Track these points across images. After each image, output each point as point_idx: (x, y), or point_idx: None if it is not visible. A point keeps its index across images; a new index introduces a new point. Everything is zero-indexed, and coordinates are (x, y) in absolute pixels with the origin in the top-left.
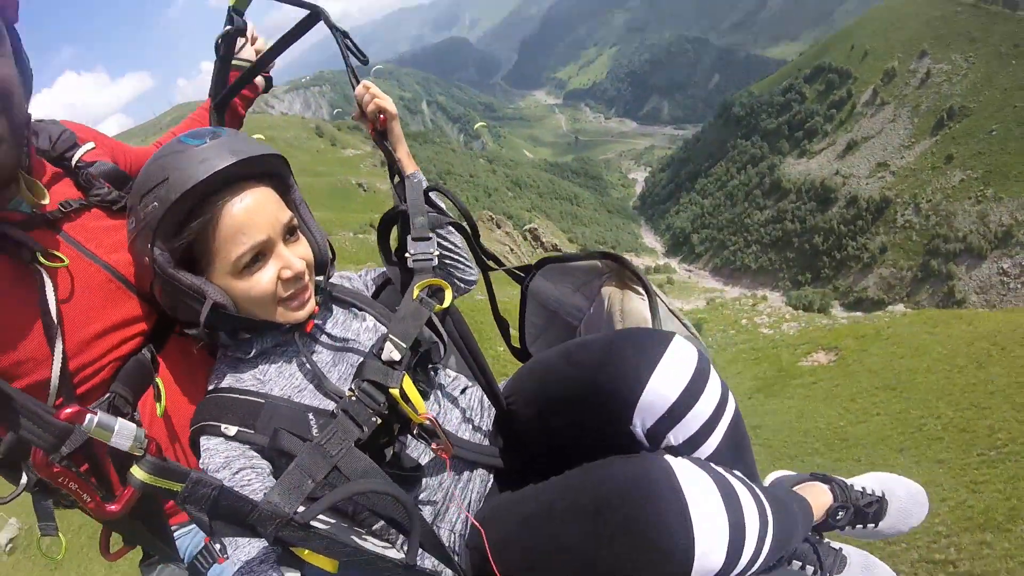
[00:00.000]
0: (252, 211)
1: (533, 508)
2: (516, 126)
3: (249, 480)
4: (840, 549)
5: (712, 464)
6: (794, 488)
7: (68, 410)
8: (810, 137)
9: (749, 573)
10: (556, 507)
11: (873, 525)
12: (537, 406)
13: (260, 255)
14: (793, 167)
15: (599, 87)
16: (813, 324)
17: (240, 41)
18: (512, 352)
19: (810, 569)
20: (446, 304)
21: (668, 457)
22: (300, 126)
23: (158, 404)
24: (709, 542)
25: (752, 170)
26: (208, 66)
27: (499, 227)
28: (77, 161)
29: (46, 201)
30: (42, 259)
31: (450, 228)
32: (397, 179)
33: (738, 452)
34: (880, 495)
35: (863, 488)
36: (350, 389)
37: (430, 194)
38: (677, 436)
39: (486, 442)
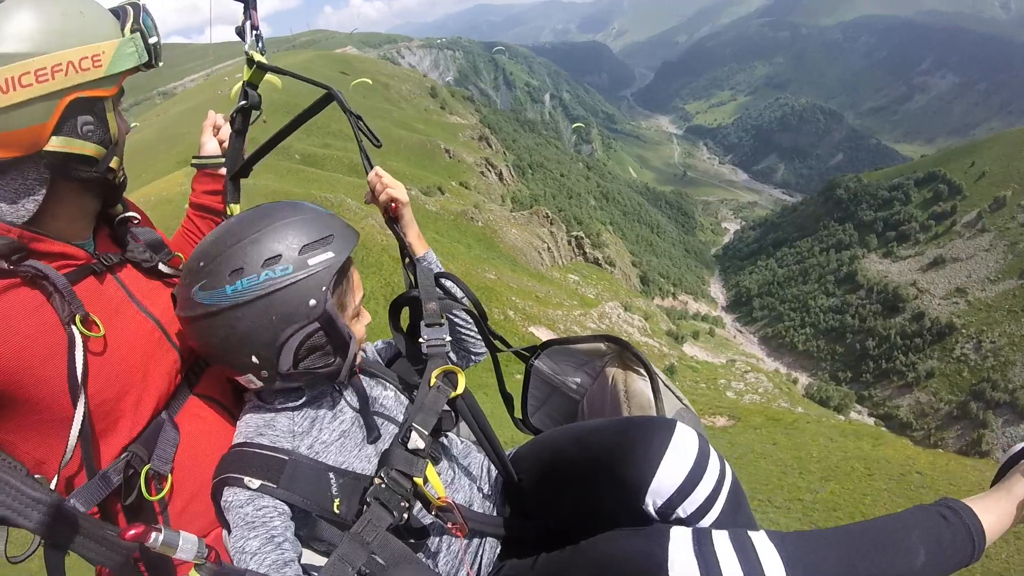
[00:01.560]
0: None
1: (555, 568)
2: (630, 143)
3: (271, 517)
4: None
5: (709, 537)
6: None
7: (132, 531)
8: (901, 240)
9: None
10: (577, 565)
11: None
12: (547, 483)
13: None
14: (874, 264)
15: (722, 130)
16: (770, 401)
17: (255, 114)
18: (515, 424)
19: None
20: (460, 390)
21: (672, 532)
22: (417, 82)
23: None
24: None
25: (834, 255)
26: (358, 1)
27: (551, 225)
28: (120, 218)
29: (134, 216)
30: (80, 325)
31: (460, 310)
32: (408, 261)
33: (737, 509)
34: None
35: None
36: (379, 476)
37: (441, 279)
38: (686, 510)
39: (495, 510)
